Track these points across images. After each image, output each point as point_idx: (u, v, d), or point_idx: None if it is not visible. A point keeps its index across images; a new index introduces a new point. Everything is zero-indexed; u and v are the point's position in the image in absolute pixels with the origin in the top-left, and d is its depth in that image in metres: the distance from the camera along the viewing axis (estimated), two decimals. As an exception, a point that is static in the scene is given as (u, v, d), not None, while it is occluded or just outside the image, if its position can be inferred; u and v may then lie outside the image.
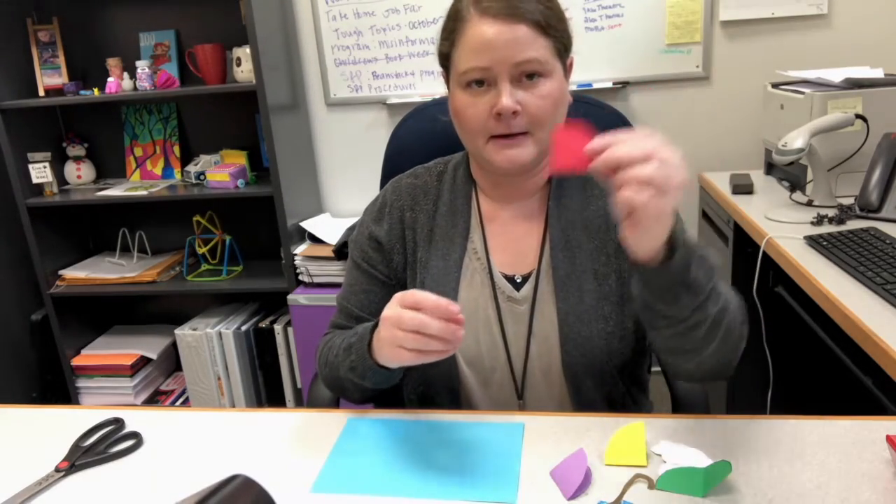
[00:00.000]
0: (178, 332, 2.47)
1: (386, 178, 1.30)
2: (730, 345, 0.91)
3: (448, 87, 1.02)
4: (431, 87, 2.40)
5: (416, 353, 0.84)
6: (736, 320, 0.90)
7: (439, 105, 1.35)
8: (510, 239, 1.07)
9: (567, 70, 1.01)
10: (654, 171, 0.71)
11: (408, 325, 0.83)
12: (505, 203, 1.08)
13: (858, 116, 1.71)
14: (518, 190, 1.06)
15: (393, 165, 1.30)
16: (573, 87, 2.27)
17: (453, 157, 1.14)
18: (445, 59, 1.00)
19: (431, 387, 1.06)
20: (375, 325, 0.93)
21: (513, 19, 0.92)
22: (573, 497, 0.79)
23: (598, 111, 1.29)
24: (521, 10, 0.92)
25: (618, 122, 1.28)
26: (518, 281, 1.05)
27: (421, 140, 1.28)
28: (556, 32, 0.95)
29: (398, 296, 0.86)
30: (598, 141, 0.75)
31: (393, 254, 1.10)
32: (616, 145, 0.74)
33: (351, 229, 2.16)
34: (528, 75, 0.94)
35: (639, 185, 0.71)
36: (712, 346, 0.88)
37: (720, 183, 2.07)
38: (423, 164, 1.16)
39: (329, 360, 1.06)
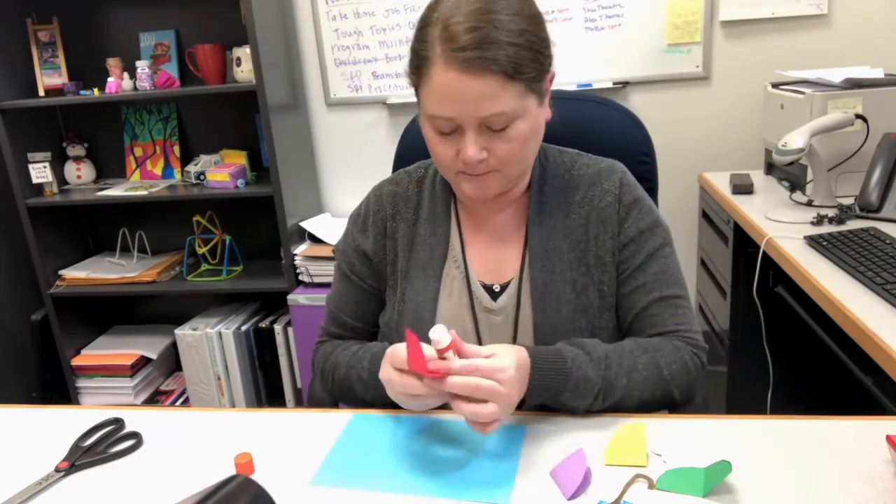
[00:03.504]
0: (178, 332, 2.47)
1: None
2: (652, 408, 0.98)
3: (419, 108, 0.97)
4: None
5: (414, 405, 0.89)
6: (654, 398, 0.97)
7: None
8: (490, 247, 1.06)
9: (546, 88, 0.96)
10: (472, 413, 0.82)
11: (397, 388, 0.87)
12: (484, 211, 1.07)
13: (858, 116, 1.71)
14: (496, 201, 1.05)
15: (404, 164, 1.29)
16: (573, 87, 2.28)
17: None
18: (414, 88, 0.96)
19: None
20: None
21: (479, 71, 0.85)
22: (573, 497, 0.79)
23: (607, 110, 1.29)
24: (488, 59, 0.85)
25: (627, 120, 1.28)
26: (496, 290, 1.04)
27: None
28: (529, 70, 0.89)
29: (388, 356, 0.89)
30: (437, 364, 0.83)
31: (382, 266, 1.09)
32: (451, 379, 0.82)
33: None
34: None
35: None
36: (621, 410, 0.96)
37: (720, 183, 2.07)
38: (406, 167, 1.14)
39: (337, 380, 1.07)
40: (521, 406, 0.90)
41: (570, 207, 1.04)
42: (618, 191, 1.03)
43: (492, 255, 1.06)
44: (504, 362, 0.84)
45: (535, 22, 0.91)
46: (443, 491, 0.83)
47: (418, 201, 1.09)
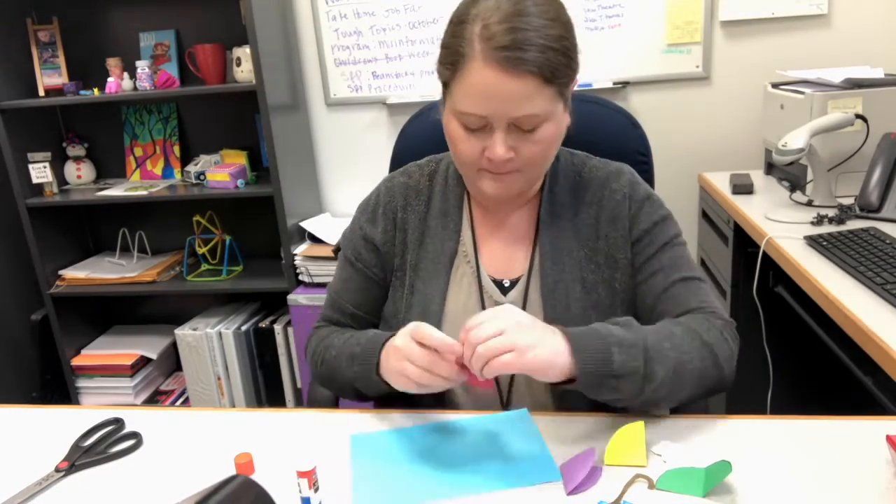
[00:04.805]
0: (178, 332, 2.46)
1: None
2: (706, 385, 0.94)
3: (443, 104, 0.99)
4: (431, 87, 2.40)
5: (420, 386, 0.87)
6: (705, 367, 0.93)
7: None
8: (501, 242, 1.07)
9: (570, 95, 0.97)
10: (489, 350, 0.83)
11: (419, 361, 0.86)
12: (498, 209, 1.08)
13: (858, 116, 1.71)
14: (511, 200, 1.06)
15: (401, 164, 1.29)
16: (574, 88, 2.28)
17: (445, 156, 1.13)
18: (444, 83, 0.97)
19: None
20: (383, 343, 0.95)
21: (518, 70, 0.87)
22: (572, 493, 0.80)
23: (604, 110, 1.29)
24: (528, 60, 0.87)
25: (624, 120, 1.28)
26: (506, 285, 1.05)
27: (430, 138, 1.25)
28: (563, 75, 0.91)
29: (411, 329, 0.88)
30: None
31: (389, 256, 1.10)
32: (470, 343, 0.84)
33: (351, 229, 2.16)
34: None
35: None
36: (682, 395, 0.93)
37: (720, 183, 2.07)
38: (417, 161, 1.15)
39: (326, 360, 1.07)
40: (581, 400, 0.91)
41: (580, 207, 1.06)
42: (627, 189, 1.05)
43: (502, 252, 1.07)
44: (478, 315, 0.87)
45: (569, 29, 0.93)
46: (492, 484, 0.82)
47: (430, 194, 1.10)
